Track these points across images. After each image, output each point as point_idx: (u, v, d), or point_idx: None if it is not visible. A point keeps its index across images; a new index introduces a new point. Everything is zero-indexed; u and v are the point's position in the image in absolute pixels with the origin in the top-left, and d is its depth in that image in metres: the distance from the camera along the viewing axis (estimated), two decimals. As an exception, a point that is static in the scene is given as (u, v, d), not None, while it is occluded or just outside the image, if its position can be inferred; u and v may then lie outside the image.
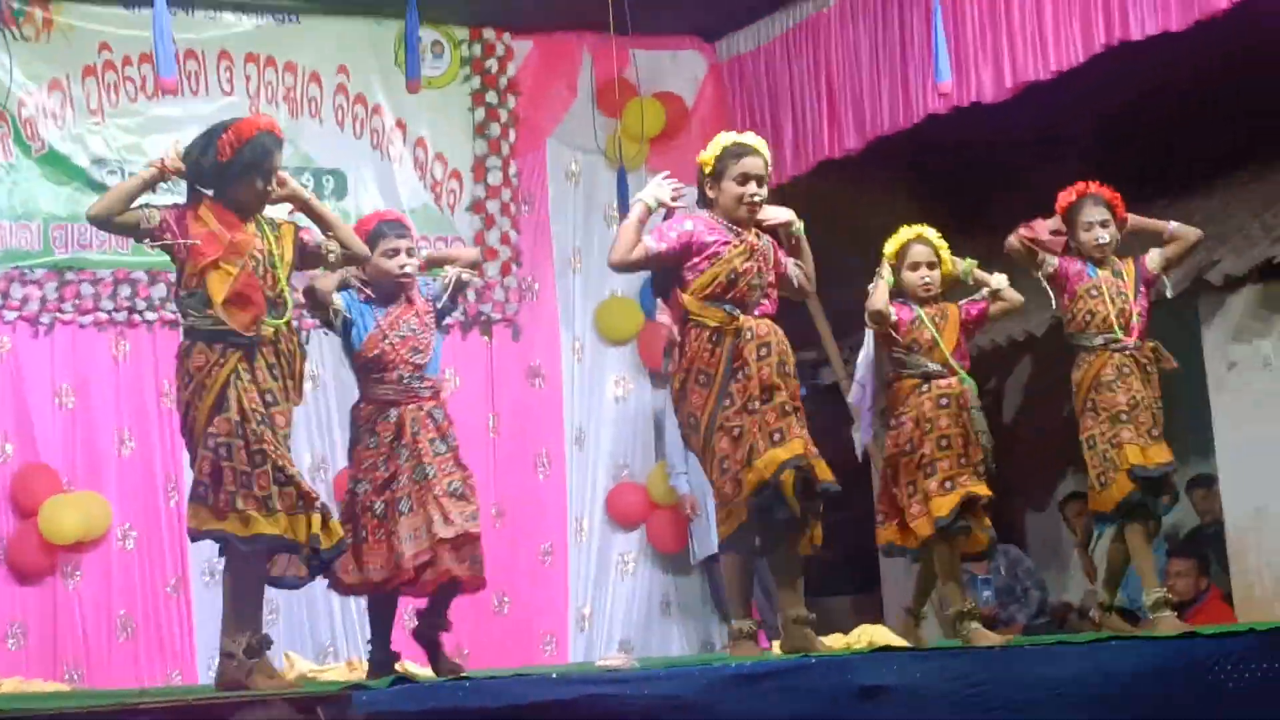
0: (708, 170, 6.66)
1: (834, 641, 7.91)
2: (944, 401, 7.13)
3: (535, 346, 10.35)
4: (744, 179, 6.51)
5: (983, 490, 7.12)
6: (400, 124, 10.17)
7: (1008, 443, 11.21)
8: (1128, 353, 7.46)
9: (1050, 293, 7.64)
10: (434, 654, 6.91)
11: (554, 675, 5.93)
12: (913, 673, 6.16)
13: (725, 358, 6.38)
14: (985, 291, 7.24)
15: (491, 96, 10.35)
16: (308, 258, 6.32)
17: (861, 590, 11.15)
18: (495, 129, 10.33)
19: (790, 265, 6.74)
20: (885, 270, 7.25)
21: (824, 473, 6.44)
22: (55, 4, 9.45)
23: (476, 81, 10.35)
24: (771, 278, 6.62)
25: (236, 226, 6.08)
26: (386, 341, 6.68)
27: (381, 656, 6.82)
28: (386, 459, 6.63)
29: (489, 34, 10.37)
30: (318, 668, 7.96)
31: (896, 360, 7.23)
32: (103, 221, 6.13)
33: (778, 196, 10.52)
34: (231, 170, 6.06)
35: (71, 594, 9.15)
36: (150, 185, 6.10)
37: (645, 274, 10.58)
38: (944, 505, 7.06)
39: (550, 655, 10.04)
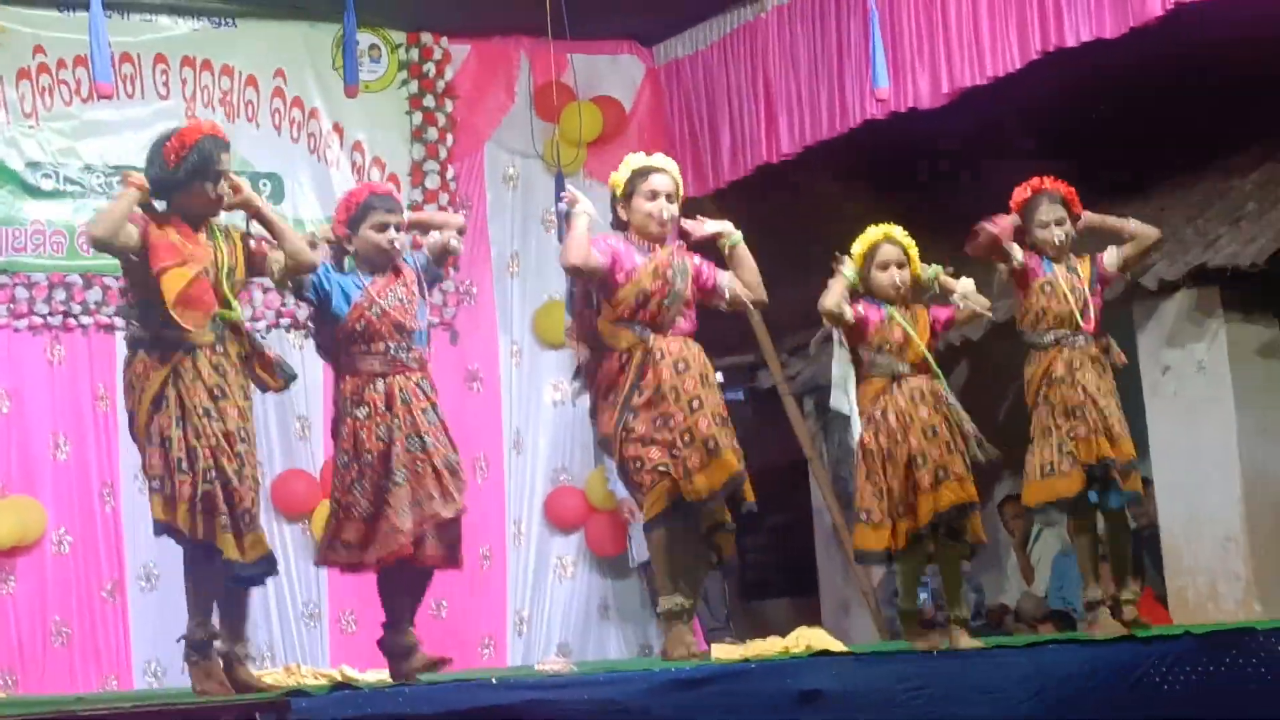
0: (619, 192, 6.82)
1: (771, 644, 7.93)
2: (917, 396, 6.98)
3: (473, 350, 10.34)
4: (653, 195, 6.66)
5: (971, 492, 6.94)
6: (337, 128, 10.13)
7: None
8: (1079, 348, 7.41)
9: (1015, 289, 7.55)
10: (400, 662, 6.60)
11: (494, 680, 5.94)
12: (851, 677, 6.20)
13: (633, 376, 6.51)
14: (955, 297, 7.12)
15: (429, 100, 10.33)
16: (254, 268, 6.32)
17: (799, 593, 11.20)
18: (433, 133, 10.31)
19: (725, 279, 6.78)
20: (847, 268, 7.10)
21: (748, 494, 6.61)
22: (-11, 7, 9.39)
23: (414, 85, 10.32)
24: (689, 294, 6.69)
25: (191, 236, 6.12)
26: (373, 311, 6.47)
27: (395, 641, 6.54)
28: (377, 430, 6.40)
29: (426, 38, 10.35)
30: (255, 673, 7.89)
31: (866, 361, 7.14)
32: (107, 244, 6.08)
33: (714, 202, 10.63)
34: (179, 178, 6.10)
35: (5, 599, 9.07)
36: (136, 204, 6.10)
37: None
38: (944, 499, 6.86)
39: (488, 659, 10.03)
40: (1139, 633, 7.10)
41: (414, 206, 10.19)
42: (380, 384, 6.43)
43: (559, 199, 9.62)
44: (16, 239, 9.27)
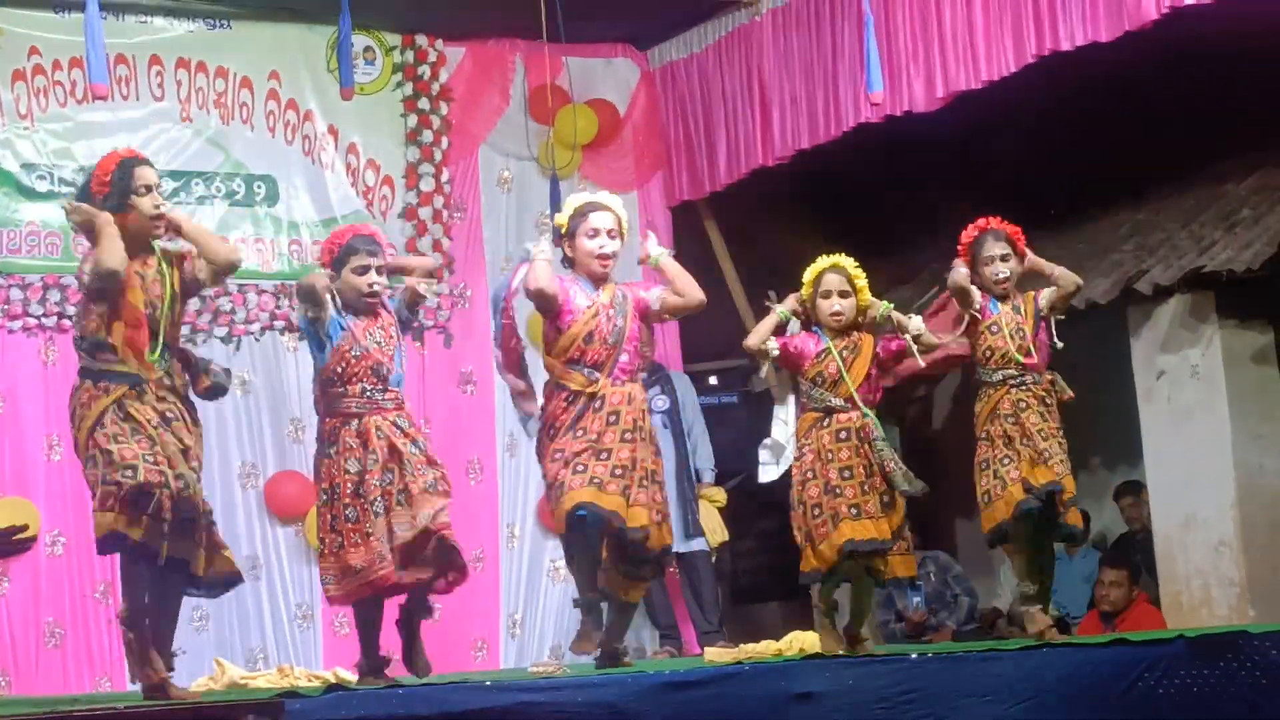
0: (563, 231, 6.94)
1: (765, 647, 7.95)
2: (843, 435, 6.98)
3: (467, 353, 10.33)
4: (593, 233, 6.80)
5: (884, 530, 6.95)
6: (332, 130, 10.13)
7: (937, 450, 11.32)
8: (1025, 388, 7.52)
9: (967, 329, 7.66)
10: (410, 647, 6.62)
11: (488, 683, 5.94)
12: (845, 679, 6.21)
13: (574, 416, 6.73)
14: (907, 338, 7.11)
15: (424, 103, 10.33)
16: (188, 284, 6.40)
17: (791, 597, 11.17)
18: (428, 135, 10.31)
19: (655, 294, 6.95)
20: (786, 304, 7.20)
21: (659, 539, 6.78)
22: (-15, 8, 9.38)
23: (409, 88, 10.32)
24: (632, 330, 6.83)
25: (146, 265, 6.24)
26: (353, 353, 6.53)
27: (373, 664, 6.56)
28: (355, 464, 6.46)
29: (421, 40, 10.35)
30: (248, 674, 7.91)
31: (803, 391, 7.20)
32: (119, 276, 6.11)
33: (710, 205, 10.64)
34: (113, 203, 6.16)
35: (-2, 601, 9.08)
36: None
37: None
38: (853, 531, 6.92)
39: (481, 661, 10.03)
40: (1132, 637, 7.11)
41: (408, 209, 10.20)
42: (356, 424, 6.49)
43: (552, 211, 9.68)
44: (11, 240, 9.27)
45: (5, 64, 9.38)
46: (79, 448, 6.21)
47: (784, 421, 7.62)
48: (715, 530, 10.02)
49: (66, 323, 9.32)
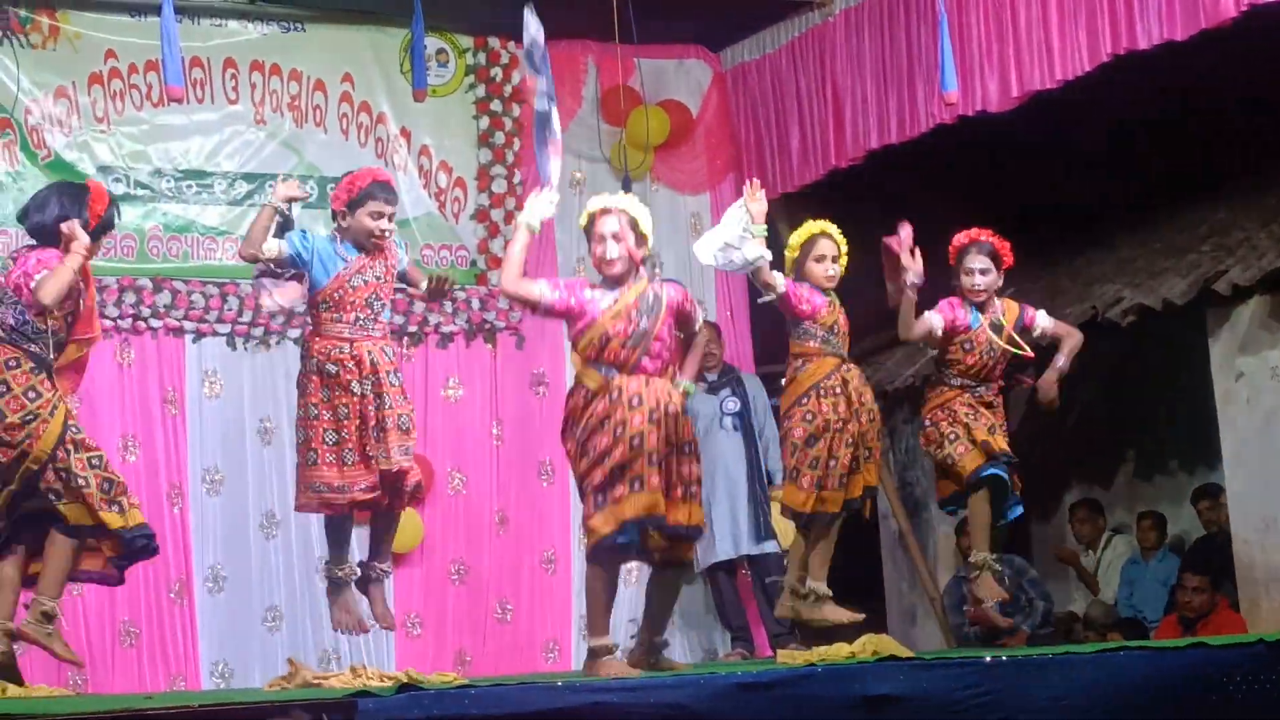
0: (586, 231, 7.03)
1: (837, 650, 7.89)
2: (859, 380, 7.96)
3: (539, 354, 10.34)
4: (600, 239, 6.84)
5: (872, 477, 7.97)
6: (405, 132, 10.16)
7: (1013, 451, 11.24)
8: (978, 395, 8.16)
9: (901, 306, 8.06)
10: (371, 600, 7.42)
11: (559, 683, 5.93)
12: (919, 682, 6.17)
13: (595, 415, 6.72)
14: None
15: (496, 105, 10.34)
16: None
17: (863, 600, 11.12)
18: (500, 137, 10.32)
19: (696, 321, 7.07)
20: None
21: (691, 516, 6.78)
22: (62, 12, 9.44)
23: (481, 90, 10.34)
24: (659, 330, 6.81)
25: None
26: (351, 283, 7.14)
27: (340, 571, 7.30)
28: (343, 390, 7.06)
29: (494, 42, 10.36)
30: (321, 674, 7.91)
31: (819, 338, 7.91)
32: (49, 313, 6.93)
33: (783, 206, 10.60)
34: (93, 232, 6.99)
35: (75, 601, 9.10)
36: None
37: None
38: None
39: (553, 663, 10.02)
40: (1211, 641, 7.03)
41: (480, 211, 10.22)
42: (348, 347, 7.11)
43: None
44: (87, 242, 9.34)
45: (82, 68, 9.46)
46: None
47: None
48: (787, 532, 9.97)
49: (142, 324, 9.43)
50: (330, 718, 5.37)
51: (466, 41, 10.33)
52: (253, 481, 9.59)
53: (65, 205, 6.97)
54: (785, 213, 10.80)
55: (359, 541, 7.70)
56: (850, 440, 7.83)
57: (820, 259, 7.86)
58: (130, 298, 9.37)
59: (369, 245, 7.20)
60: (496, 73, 10.34)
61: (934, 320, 8.07)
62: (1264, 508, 9.03)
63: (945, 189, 10.56)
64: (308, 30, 9.99)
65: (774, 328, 9.86)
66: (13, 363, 6.84)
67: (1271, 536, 9.00)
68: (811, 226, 7.93)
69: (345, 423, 7.08)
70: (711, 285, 10.75)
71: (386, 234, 7.21)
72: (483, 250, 10.18)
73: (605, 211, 6.88)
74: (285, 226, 7.27)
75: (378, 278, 7.21)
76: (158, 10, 7.49)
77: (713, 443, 9.92)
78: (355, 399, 7.07)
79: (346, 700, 5.46)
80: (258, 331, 9.63)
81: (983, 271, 8.07)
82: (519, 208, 10.22)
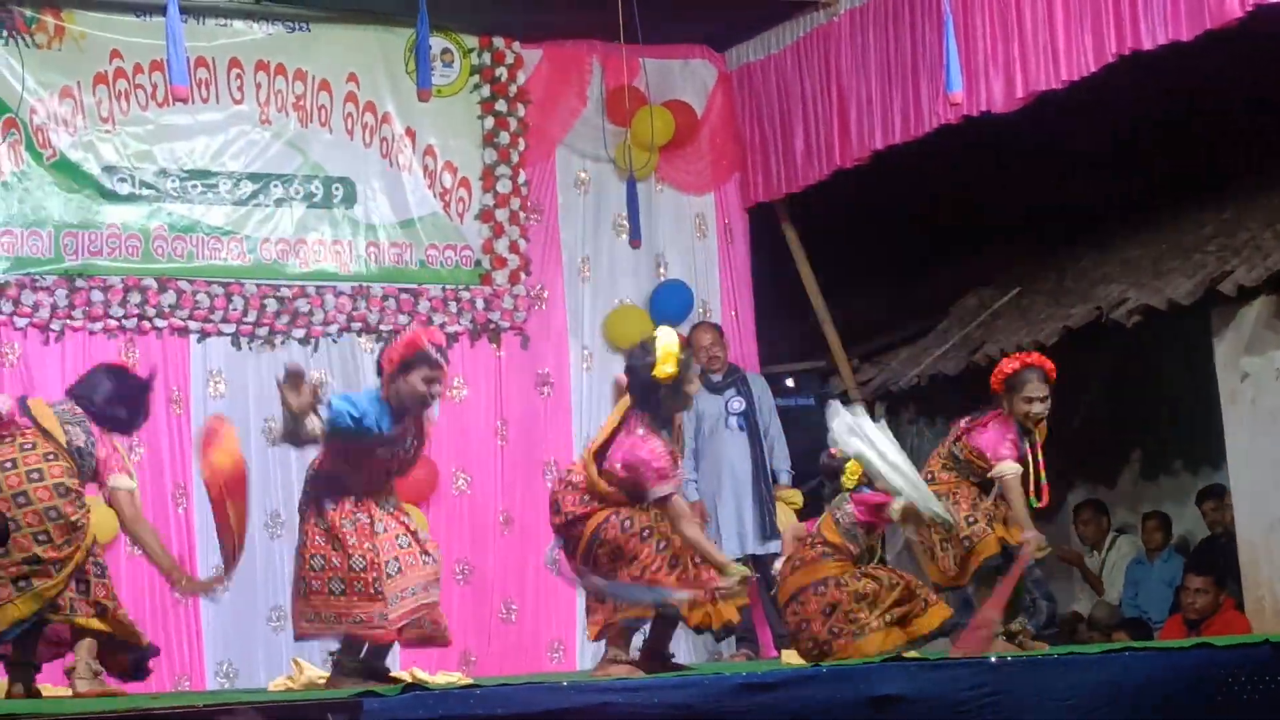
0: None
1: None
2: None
3: (544, 355, 10.34)
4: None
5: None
6: (409, 132, 10.16)
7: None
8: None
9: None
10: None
11: (564, 683, 5.93)
12: (924, 683, 6.16)
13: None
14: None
15: (501, 105, 10.34)
16: None
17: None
18: (504, 137, 10.32)
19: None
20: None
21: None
22: (67, 12, 9.45)
23: (486, 90, 10.34)
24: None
25: None
26: (398, 449, 6.87)
27: (348, 665, 6.89)
28: (365, 516, 6.79)
29: (499, 42, 10.36)
30: (326, 674, 7.94)
31: None
32: None
33: (785, 207, 10.59)
34: None
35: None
36: None
37: (656, 283, 10.65)
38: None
39: (558, 663, 10.02)
40: (1216, 642, 7.03)
41: (485, 211, 10.22)
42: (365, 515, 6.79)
43: (630, 214, 9.69)
44: (93, 242, 9.34)
45: (87, 67, 9.46)
46: None
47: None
48: (792, 532, 9.98)
49: (147, 324, 9.42)
50: (335, 718, 5.37)
51: (471, 41, 10.33)
52: (257, 481, 9.52)
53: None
54: (789, 213, 10.82)
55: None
56: None
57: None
58: (135, 298, 9.37)
59: (415, 411, 6.84)
60: (501, 73, 10.34)
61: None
62: (1269, 508, 9.02)
63: (946, 193, 10.56)
64: (313, 30, 10.00)
65: (777, 327, 9.88)
66: None
67: (1276, 537, 8.99)
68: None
69: (367, 552, 6.76)
70: (716, 287, 10.75)
71: (435, 398, 6.88)
72: (487, 250, 10.18)
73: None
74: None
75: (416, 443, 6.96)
76: (163, 10, 7.49)
77: (718, 443, 9.94)
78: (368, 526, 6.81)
79: (352, 700, 5.45)
80: (262, 331, 9.64)
81: (1043, 399, 7.86)
82: (523, 207, 10.28)
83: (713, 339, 10.19)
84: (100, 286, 9.34)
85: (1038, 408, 7.80)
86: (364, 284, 9.86)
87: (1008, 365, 7.89)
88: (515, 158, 10.33)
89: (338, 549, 6.71)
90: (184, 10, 7.92)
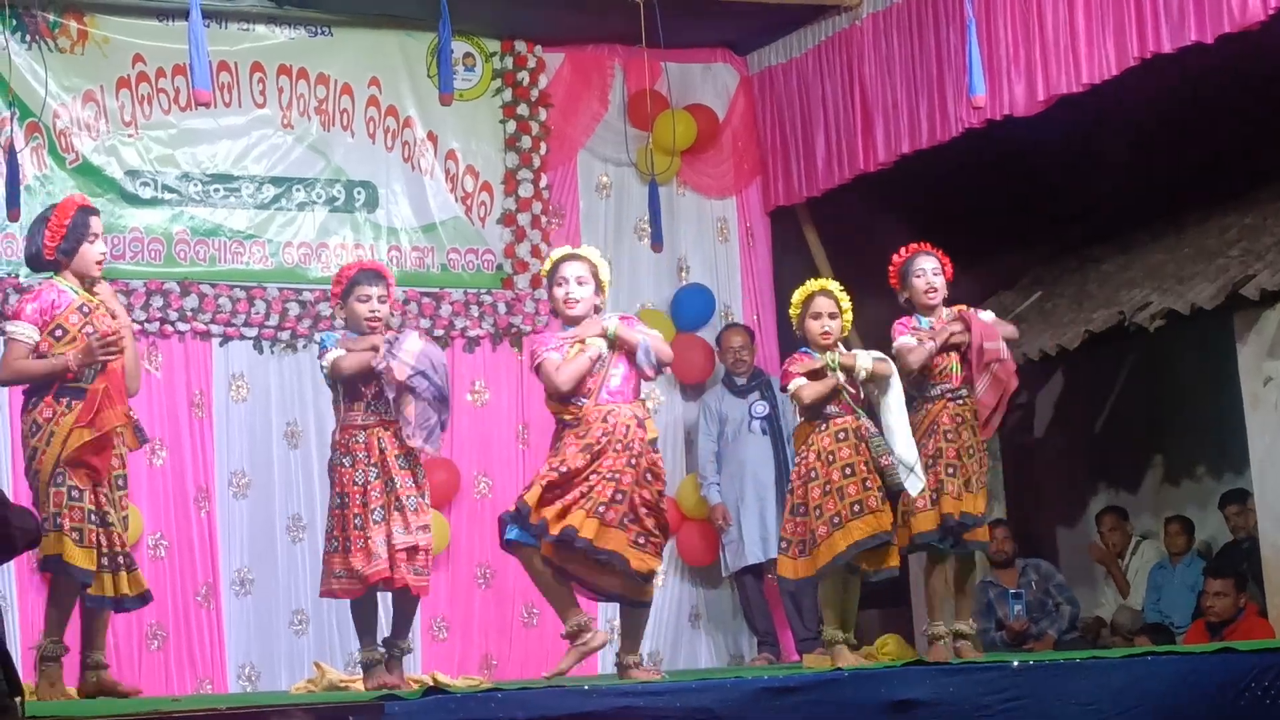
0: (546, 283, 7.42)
1: (858, 654, 7.89)
2: (841, 435, 7.39)
3: (566, 359, 10.33)
4: (560, 282, 7.21)
5: (884, 523, 7.33)
6: (431, 136, 10.17)
7: (1039, 456, 11.22)
8: (962, 402, 7.86)
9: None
10: (400, 626, 7.27)
11: (585, 687, 5.94)
12: (945, 687, 6.17)
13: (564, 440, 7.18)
14: (858, 374, 7.48)
15: (523, 109, 10.35)
16: None
17: (890, 603, 11.11)
18: (526, 141, 10.33)
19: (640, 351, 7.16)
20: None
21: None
22: (90, 16, 9.47)
23: (508, 94, 10.35)
24: (615, 358, 7.15)
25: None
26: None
27: (372, 656, 7.08)
28: (361, 475, 7.05)
29: (520, 46, 10.37)
30: (348, 677, 7.96)
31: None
32: None
33: (806, 211, 10.58)
34: (64, 246, 7.21)
35: (103, 603, 9.15)
36: None
37: (678, 287, 10.65)
38: (859, 532, 7.28)
39: (579, 667, 10.00)
40: (1239, 646, 7.01)
41: (507, 215, 10.23)
42: (362, 436, 7.08)
43: (652, 217, 9.69)
44: (115, 246, 9.34)
45: (110, 72, 9.49)
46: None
47: (894, 429, 7.58)
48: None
49: (169, 328, 9.43)
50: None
51: (493, 45, 10.34)
52: (279, 485, 9.61)
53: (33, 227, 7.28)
54: (810, 217, 10.81)
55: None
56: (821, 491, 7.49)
57: (817, 316, 7.57)
58: (157, 301, 9.39)
59: (366, 330, 7.18)
60: (523, 76, 10.35)
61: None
62: (1292, 513, 9.00)
63: (967, 197, 10.54)
64: (335, 34, 10.01)
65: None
66: None
67: (1300, 542, 8.97)
68: (810, 285, 7.66)
69: (364, 510, 7.06)
70: (738, 290, 10.75)
71: (378, 315, 7.20)
72: (509, 254, 10.19)
73: (568, 258, 7.23)
74: None
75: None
76: (186, 14, 7.51)
77: (741, 446, 9.94)
78: (362, 487, 7.06)
79: (373, 703, 5.47)
80: (284, 335, 9.66)
81: (934, 271, 8.01)
82: (545, 211, 10.28)
83: (743, 341, 10.20)
84: (123, 290, 9.33)
85: (930, 279, 7.95)
86: (386, 287, 9.87)
87: (897, 257, 8.09)
88: (537, 161, 10.34)
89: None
90: (206, 15, 7.95)
